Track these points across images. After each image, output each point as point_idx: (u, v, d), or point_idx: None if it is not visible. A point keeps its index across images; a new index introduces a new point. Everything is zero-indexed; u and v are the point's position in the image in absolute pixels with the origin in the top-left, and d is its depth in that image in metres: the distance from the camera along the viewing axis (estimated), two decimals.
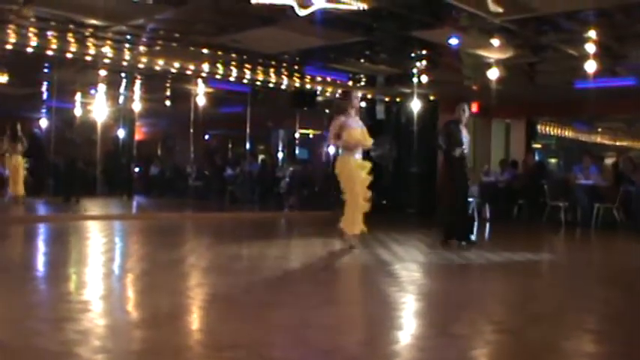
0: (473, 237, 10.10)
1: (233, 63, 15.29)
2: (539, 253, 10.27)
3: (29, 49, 13.29)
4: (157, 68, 15.27)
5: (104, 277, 6.71)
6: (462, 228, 9.98)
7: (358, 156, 9.02)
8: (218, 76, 16.18)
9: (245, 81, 16.71)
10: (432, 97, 17.76)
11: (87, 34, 12.69)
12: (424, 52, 13.44)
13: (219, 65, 15.47)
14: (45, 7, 11.06)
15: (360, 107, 9.55)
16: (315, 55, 14.28)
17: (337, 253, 8.72)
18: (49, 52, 13.62)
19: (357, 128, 8.99)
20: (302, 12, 9.50)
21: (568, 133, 24.24)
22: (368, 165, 9.06)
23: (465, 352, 4.10)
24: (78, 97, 20.28)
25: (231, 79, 16.38)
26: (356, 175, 8.88)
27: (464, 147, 9.73)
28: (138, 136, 23.98)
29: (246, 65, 15.53)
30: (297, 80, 16.75)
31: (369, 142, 9.19)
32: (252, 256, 8.39)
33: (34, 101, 20.18)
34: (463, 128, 9.85)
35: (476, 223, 15.46)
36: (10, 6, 10.87)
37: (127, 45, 13.53)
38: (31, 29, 12.25)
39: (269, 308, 5.25)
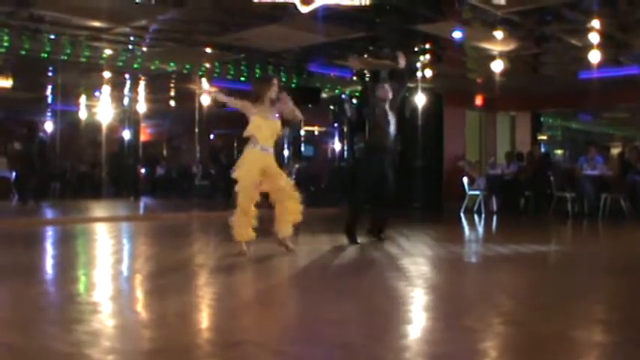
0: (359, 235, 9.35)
1: (237, 62, 15.32)
2: (547, 245, 10.24)
3: (33, 53, 13.34)
4: (161, 68, 15.31)
5: (113, 278, 6.73)
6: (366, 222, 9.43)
7: (266, 151, 8.04)
8: (222, 75, 16.21)
9: (249, 79, 16.73)
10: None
11: (90, 36, 12.72)
12: (427, 45, 13.43)
13: (222, 64, 15.50)
14: (47, 10, 11.08)
15: (277, 99, 8.08)
16: (319, 52, 14.29)
17: (345, 249, 8.72)
18: (53, 56, 13.67)
19: (257, 118, 7.96)
20: (304, 9, 9.51)
21: (573, 124, 24.20)
22: (273, 164, 8.08)
23: (475, 344, 4.09)
24: (82, 99, 20.35)
25: (235, 77, 16.40)
26: (254, 171, 7.86)
27: (389, 129, 9.20)
28: (143, 137, 24.03)
29: (250, 63, 15.54)
30: (301, 77, 16.78)
31: (268, 138, 8.07)
32: (260, 253, 8.39)
33: (38, 105, 20.23)
34: (388, 108, 9.27)
35: (484, 216, 15.49)
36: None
37: (130, 46, 13.56)
38: (34, 33, 12.29)
39: (278, 305, 5.25)
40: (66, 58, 13.93)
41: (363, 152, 9.36)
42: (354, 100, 19.06)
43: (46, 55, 13.62)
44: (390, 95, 9.34)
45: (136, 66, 15.18)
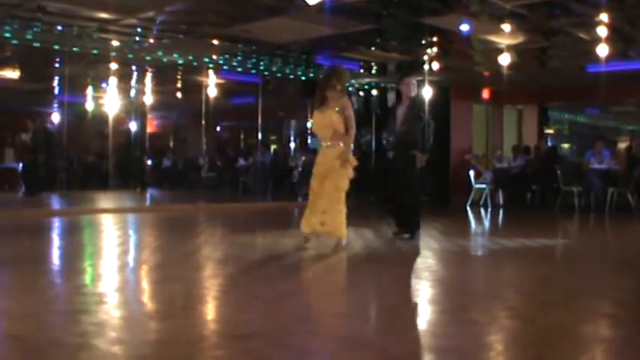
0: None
1: (244, 54, 15.30)
2: (553, 239, 10.23)
3: (40, 44, 13.35)
4: (168, 60, 15.30)
5: (119, 269, 6.74)
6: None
7: (325, 149, 8.15)
8: (229, 67, 16.20)
9: (256, 71, 16.73)
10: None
11: (97, 27, 12.72)
12: (435, 38, 13.38)
13: (229, 56, 15.48)
14: (54, 1, 11.08)
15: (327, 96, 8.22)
16: (326, 44, 14.25)
17: (351, 242, 8.72)
18: (60, 47, 13.67)
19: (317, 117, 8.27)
20: (311, 1, 9.48)
21: (581, 118, 24.12)
22: (328, 159, 7.95)
23: (481, 337, 4.09)
24: (89, 91, 20.37)
25: (242, 69, 16.40)
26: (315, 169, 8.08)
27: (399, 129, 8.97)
28: (150, 129, 24.05)
29: (257, 55, 15.52)
30: (308, 69, 16.76)
31: (322, 132, 8.23)
32: (266, 246, 8.41)
33: (45, 96, 20.25)
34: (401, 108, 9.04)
35: (490, 209, 15.47)
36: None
37: (137, 38, 13.55)
38: (41, 24, 12.29)
39: (285, 297, 5.26)
40: (73, 49, 13.93)
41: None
42: (361, 93, 19.03)
43: (52, 47, 13.63)
44: (414, 92, 9.00)
45: (142, 57, 15.15)
